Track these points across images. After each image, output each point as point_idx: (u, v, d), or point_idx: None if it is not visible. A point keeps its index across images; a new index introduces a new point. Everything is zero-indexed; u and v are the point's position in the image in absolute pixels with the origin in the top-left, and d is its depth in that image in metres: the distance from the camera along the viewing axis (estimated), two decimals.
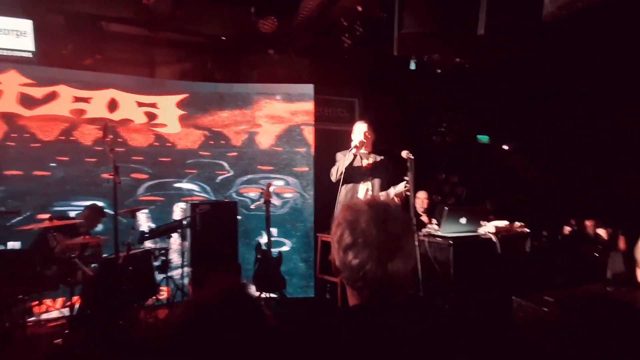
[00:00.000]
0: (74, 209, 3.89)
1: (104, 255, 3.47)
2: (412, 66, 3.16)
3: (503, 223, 3.20)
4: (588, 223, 3.94)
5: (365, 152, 3.18)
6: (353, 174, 3.12)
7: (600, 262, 3.49)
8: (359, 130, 3.22)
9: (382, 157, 3.25)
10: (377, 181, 3.18)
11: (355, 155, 3.10)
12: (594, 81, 4.41)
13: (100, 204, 3.76)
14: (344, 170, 3.04)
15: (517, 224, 3.23)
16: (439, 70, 3.69)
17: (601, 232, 3.86)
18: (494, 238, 2.90)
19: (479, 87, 4.93)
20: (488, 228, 3.07)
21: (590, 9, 2.84)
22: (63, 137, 3.95)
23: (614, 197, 4.23)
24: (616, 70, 4.15)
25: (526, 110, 5.15)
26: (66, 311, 3.18)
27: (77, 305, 3.15)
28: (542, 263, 3.51)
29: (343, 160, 3.18)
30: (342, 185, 3.15)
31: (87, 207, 3.64)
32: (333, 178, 3.20)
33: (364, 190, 3.18)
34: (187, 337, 0.67)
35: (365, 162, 3.18)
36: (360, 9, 3.96)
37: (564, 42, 3.70)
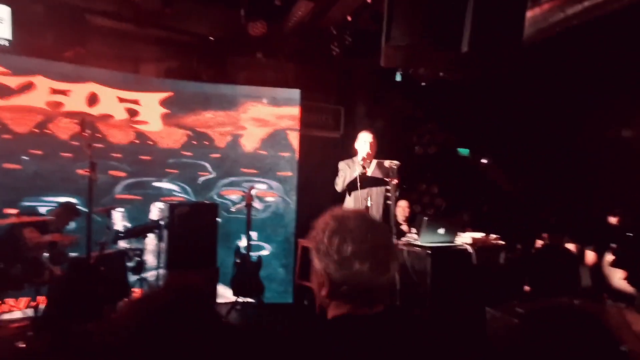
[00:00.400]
0: (45, 205, 3.73)
1: (76, 254, 3.34)
2: (398, 78, 3.23)
3: (479, 235, 3.29)
4: (559, 238, 4.09)
5: (367, 160, 3.22)
6: (357, 183, 3.16)
7: (569, 276, 3.62)
8: (364, 140, 3.24)
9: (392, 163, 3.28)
10: (379, 189, 3.22)
11: (364, 167, 3.13)
12: (570, 102, 4.62)
13: (74, 201, 3.62)
14: (354, 180, 3.10)
15: (493, 236, 3.32)
16: (423, 84, 3.78)
17: (571, 246, 4.02)
18: (470, 249, 2.98)
19: (462, 102, 5.08)
20: (465, 239, 3.14)
21: (566, 34, 2.99)
22: (37, 130, 3.79)
23: (585, 214, 4.43)
24: (590, 92, 4.37)
25: (506, 126, 5.35)
26: (30, 312, 3.03)
27: (42, 306, 3.00)
28: (515, 274, 3.62)
29: (347, 170, 3.22)
30: (348, 194, 3.21)
31: (60, 204, 3.49)
32: (338, 188, 3.25)
33: (369, 197, 3.23)
34: (136, 336, 0.65)
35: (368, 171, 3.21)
36: (350, 19, 4.03)
37: (544, 62, 3.87)
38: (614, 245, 3.37)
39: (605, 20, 2.76)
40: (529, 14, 2.90)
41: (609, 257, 3.45)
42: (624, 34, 3.32)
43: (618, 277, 3.29)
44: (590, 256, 3.79)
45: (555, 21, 2.93)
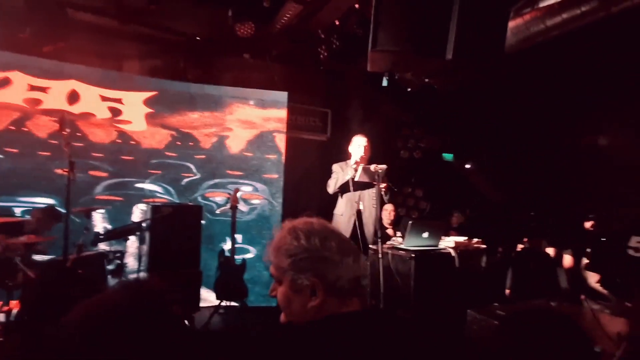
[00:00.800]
0: (21, 206, 3.59)
1: (52, 256, 3.22)
2: (384, 82, 3.27)
3: (462, 238, 3.35)
4: (538, 242, 4.21)
5: (360, 164, 3.23)
6: (350, 186, 3.18)
7: (547, 278, 3.73)
8: (358, 144, 3.27)
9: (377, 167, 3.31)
10: (370, 192, 3.24)
11: (355, 171, 3.15)
12: (550, 110, 4.78)
13: (51, 201, 3.50)
14: (346, 183, 3.13)
15: (475, 239, 3.39)
16: (409, 89, 3.84)
17: (550, 251, 4.14)
18: (453, 252, 3.02)
19: (446, 108, 5.18)
20: (448, 243, 3.19)
21: (547, 43, 3.10)
22: (13, 127, 3.66)
23: (563, 219, 4.57)
24: (572, 100, 4.53)
25: (489, 133, 5.48)
26: (1, 317, 2.91)
27: (15, 311, 2.88)
28: (496, 277, 3.70)
29: (341, 173, 3.23)
30: (340, 196, 3.22)
31: (41, 208, 3.37)
32: (330, 190, 3.28)
33: (360, 201, 3.26)
34: (86, 339, 0.63)
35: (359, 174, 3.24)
36: (337, 23, 4.06)
37: (525, 71, 3.99)
38: (589, 249, 3.49)
39: (582, 33, 2.87)
40: (512, 23, 2.99)
41: (585, 261, 3.57)
42: (600, 46, 3.46)
43: (593, 280, 3.41)
44: (567, 260, 3.92)
45: (536, 31, 3.03)
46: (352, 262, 0.91)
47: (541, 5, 2.86)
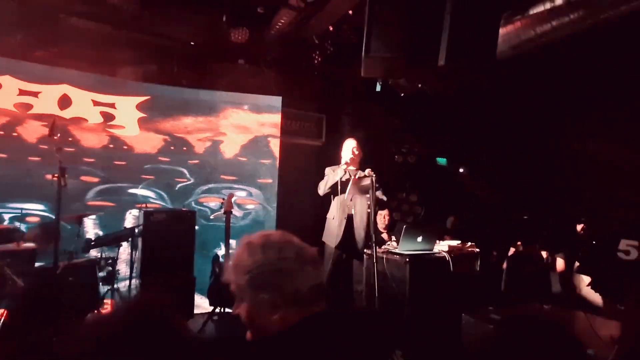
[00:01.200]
0: (10, 212, 3.53)
1: (42, 264, 3.16)
2: (378, 88, 3.30)
3: (456, 242, 3.36)
4: (531, 246, 4.24)
5: (353, 168, 3.25)
6: (338, 189, 3.18)
7: (540, 282, 3.76)
8: (348, 147, 3.31)
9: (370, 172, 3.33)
10: (363, 197, 3.25)
11: (345, 172, 3.16)
12: (541, 115, 4.84)
13: (41, 207, 3.45)
14: (334, 185, 3.15)
15: (469, 243, 3.41)
16: (402, 94, 3.87)
17: (543, 254, 4.18)
18: (447, 256, 3.03)
19: (440, 112, 5.22)
20: (442, 247, 3.20)
21: (538, 50, 3.15)
22: (3, 132, 3.61)
23: (556, 223, 4.62)
24: (563, 105, 4.60)
25: (482, 137, 5.54)
26: None
27: (1, 320, 2.82)
28: (490, 281, 3.71)
29: (332, 175, 3.25)
30: (332, 198, 3.22)
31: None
32: (320, 191, 3.31)
33: (352, 205, 3.27)
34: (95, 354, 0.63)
35: (352, 178, 3.25)
36: (331, 29, 4.09)
37: (519, 75, 4.05)
38: (580, 253, 3.52)
39: (571, 40, 2.93)
40: (503, 30, 3.04)
41: (577, 264, 3.60)
42: (589, 53, 3.53)
43: (585, 284, 3.44)
44: (560, 263, 3.95)
45: (526, 38, 3.09)
46: (312, 270, 0.91)
47: (531, 12, 2.92)
